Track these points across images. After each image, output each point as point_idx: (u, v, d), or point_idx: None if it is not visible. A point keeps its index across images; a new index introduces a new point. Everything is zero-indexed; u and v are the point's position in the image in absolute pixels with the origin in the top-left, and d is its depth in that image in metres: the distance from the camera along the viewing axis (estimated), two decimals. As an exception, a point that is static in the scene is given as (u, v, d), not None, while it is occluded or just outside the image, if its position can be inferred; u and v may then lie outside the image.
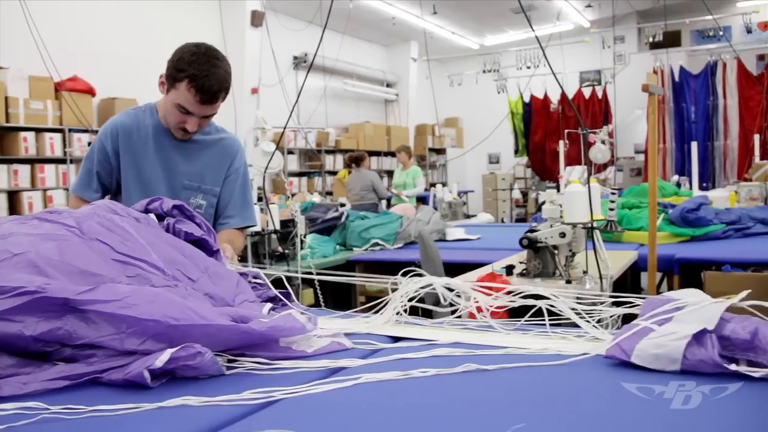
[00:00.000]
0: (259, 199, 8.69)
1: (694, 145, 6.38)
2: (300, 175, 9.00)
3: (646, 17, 10.78)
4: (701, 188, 7.67)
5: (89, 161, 1.59)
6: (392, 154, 10.73)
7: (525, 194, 10.69)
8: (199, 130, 1.56)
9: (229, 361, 0.93)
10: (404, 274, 1.15)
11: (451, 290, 1.13)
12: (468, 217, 5.51)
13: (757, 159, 7.71)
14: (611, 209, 2.22)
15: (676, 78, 9.36)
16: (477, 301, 1.10)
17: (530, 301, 1.04)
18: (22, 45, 5.18)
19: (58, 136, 5.69)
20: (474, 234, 3.91)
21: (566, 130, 5.54)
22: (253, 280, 1.32)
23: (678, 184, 7.32)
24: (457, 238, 3.77)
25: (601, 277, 2.19)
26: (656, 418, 0.65)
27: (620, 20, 10.88)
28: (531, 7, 9.95)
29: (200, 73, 1.40)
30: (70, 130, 5.72)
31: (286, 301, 1.21)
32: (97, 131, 6.31)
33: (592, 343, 0.90)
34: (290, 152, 8.80)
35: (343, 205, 6.29)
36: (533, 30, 2.12)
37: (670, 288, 3.02)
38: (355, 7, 8.66)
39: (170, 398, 0.78)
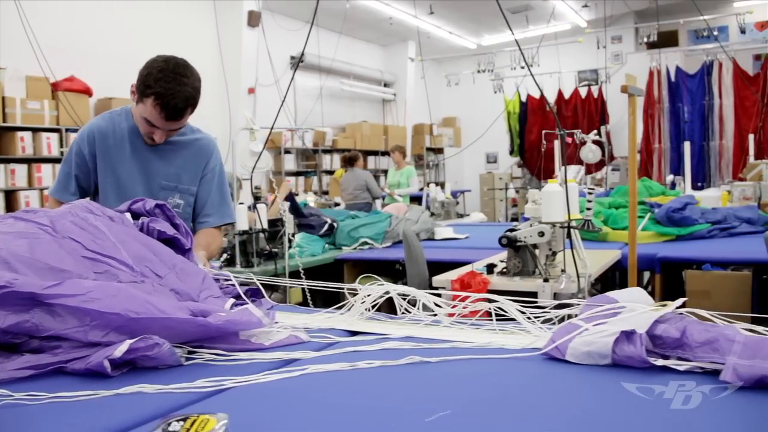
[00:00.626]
0: (257, 198, 8.72)
1: (687, 145, 6.40)
2: (297, 174, 9.05)
3: (643, 17, 10.80)
4: (696, 188, 7.71)
5: (67, 165, 1.65)
6: (389, 154, 10.78)
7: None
8: (174, 135, 1.61)
9: (189, 352, 0.97)
10: (362, 281, 1.20)
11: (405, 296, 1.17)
12: (461, 216, 5.54)
13: (751, 159, 7.74)
14: (588, 209, 2.26)
15: (672, 78, 9.39)
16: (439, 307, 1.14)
17: (482, 304, 1.08)
18: (19, 45, 5.23)
19: (55, 136, 5.74)
20: (462, 233, 3.95)
21: (544, 131, 5.55)
22: (225, 282, 1.36)
23: (673, 184, 7.36)
24: (445, 237, 3.81)
25: (578, 276, 2.23)
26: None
27: (618, 20, 10.91)
28: (528, 7, 9.98)
29: (166, 91, 1.45)
30: (66, 130, 5.78)
31: (246, 299, 1.25)
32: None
33: (530, 339, 0.94)
34: (287, 152, 8.84)
35: (338, 204, 6.35)
36: (512, 33, 2.16)
37: (652, 286, 3.07)
38: (352, 7, 8.70)
39: (127, 386, 0.83)
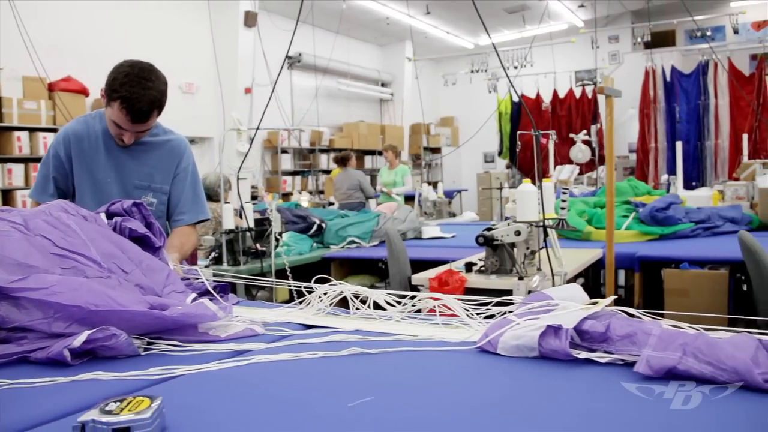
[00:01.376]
0: (254, 198, 8.76)
1: (678, 145, 6.43)
2: (294, 174, 9.10)
3: (641, 17, 10.82)
4: (689, 188, 7.73)
5: (45, 167, 1.72)
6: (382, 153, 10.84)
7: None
8: (144, 136, 1.67)
9: (149, 343, 1.03)
10: (318, 281, 1.25)
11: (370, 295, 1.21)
12: (453, 215, 5.59)
13: (745, 158, 7.76)
14: (563, 208, 2.31)
15: (668, 78, 9.41)
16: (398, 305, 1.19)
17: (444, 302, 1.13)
18: (15, 46, 5.29)
19: (51, 136, 5.80)
20: (450, 232, 4.00)
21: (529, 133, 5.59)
22: (195, 279, 1.42)
23: (668, 184, 7.38)
24: (432, 236, 3.86)
25: (553, 275, 2.28)
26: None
27: (615, 20, 10.94)
28: (524, 7, 10.02)
29: (131, 95, 1.51)
30: (63, 130, 5.84)
31: (215, 293, 1.30)
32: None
33: (469, 333, 0.99)
34: (284, 151, 8.90)
35: (332, 203, 6.40)
36: (488, 35, 2.20)
37: (631, 284, 3.11)
38: (349, 8, 8.75)
39: (84, 373, 0.88)
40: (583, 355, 0.85)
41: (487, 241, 2.38)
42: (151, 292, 1.19)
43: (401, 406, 0.75)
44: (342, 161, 6.06)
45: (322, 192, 8.66)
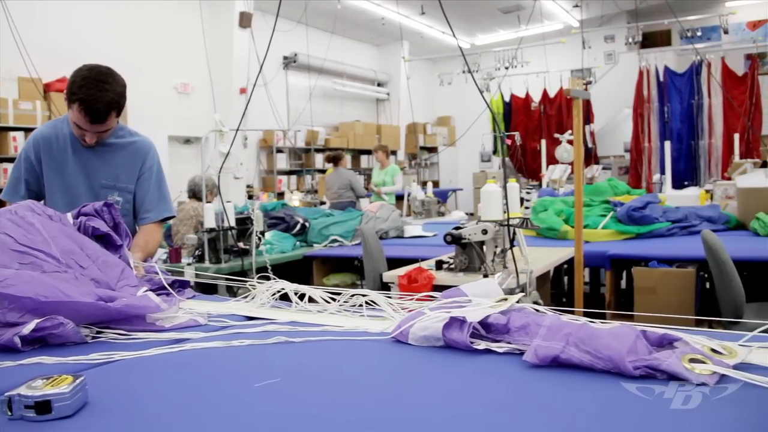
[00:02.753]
0: (249, 197, 8.81)
1: (667, 145, 6.49)
2: (289, 173, 9.18)
3: (636, 17, 10.86)
4: (681, 187, 7.78)
5: (17, 170, 1.82)
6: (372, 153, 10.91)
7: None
8: (108, 137, 1.76)
9: (98, 332, 1.11)
10: (261, 278, 1.33)
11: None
12: (442, 214, 5.66)
13: (736, 158, 7.80)
14: (526, 207, 2.37)
15: (661, 77, 9.45)
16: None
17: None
18: (11, 47, 5.38)
19: (46, 136, 5.89)
20: (433, 231, 4.07)
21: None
22: (150, 275, 1.50)
23: (660, 183, 7.42)
24: (413, 235, 3.93)
25: (517, 273, 2.35)
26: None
27: (611, 20, 10.97)
28: (519, 7, 10.07)
29: (88, 97, 1.60)
30: (58, 130, 5.93)
31: (171, 289, 1.37)
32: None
33: (390, 324, 1.07)
34: (279, 151, 8.98)
35: (323, 203, 6.48)
36: (451, 38, 2.26)
37: (599, 281, 3.17)
38: (345, 8, 8.81)
39: (31, 358, 0.96)
40: (482, 345, 0.92)
41: (454, 240, 2.44)
42: (105, 285, 1.27)
43: (304, 386, 0.82)
44: (334, 161, 6.13)
45: (316, 191, 8.73)
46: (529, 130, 8.97)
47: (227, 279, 1.57)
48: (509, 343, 0.92)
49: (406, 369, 0.89)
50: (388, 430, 0.67)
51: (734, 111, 9.07)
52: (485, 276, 2.34)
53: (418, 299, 1.14)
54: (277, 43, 9.01)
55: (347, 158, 9.97)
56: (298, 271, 3.63)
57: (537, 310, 0.98)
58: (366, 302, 1.20)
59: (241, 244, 3.34)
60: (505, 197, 2.29)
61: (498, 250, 2.56)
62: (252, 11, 8.07)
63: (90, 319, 1.10)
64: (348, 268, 3.59)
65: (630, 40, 8.17)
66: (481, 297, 1.05)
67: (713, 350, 0.82)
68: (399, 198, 6.50)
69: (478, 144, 12.40)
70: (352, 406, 0.75)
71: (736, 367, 0.79)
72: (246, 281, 1.38)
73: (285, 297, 1.30)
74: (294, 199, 6.10)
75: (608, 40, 11.09)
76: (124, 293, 1.21)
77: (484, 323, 0.96)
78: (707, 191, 5.77)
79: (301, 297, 1.28)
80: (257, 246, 3.30)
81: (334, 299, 1.23)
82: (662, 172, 8.98)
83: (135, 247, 1.71)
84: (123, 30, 6.94)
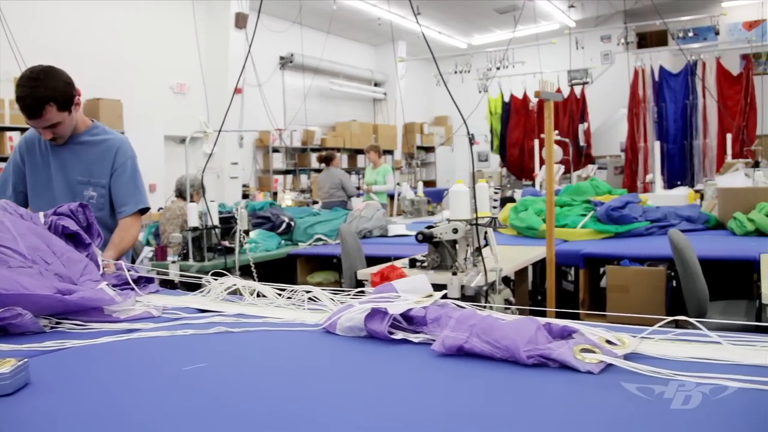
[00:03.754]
0: (245, 196, 8.87)
1: (656, 145, 6.53)
2: (285, 173, 9.25)
3: (633, 17, 10.88)
4: (673, 187, 7.81)
5: (6, 172, 1.96)
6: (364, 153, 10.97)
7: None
8: (62, 131, 1.86)
9: (57, 323, 1.18)
10: (215, 275, 1.39)
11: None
12: (432, 214, 5.71)
13: (729, 158, 7.82)
14: (494, 207, 2.43)
15: (656, 77, 9.47)
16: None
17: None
18: (6, 48, 5.47)
19: (42, 136, 5.98)
20: (416, 230, 4.12)
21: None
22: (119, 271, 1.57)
23: (654, 183, 7.44)
24: (397, 234, 3.99)
25: (486, 271, 2.40)
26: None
27: (608, 20, 11.00)
28: (515, 8, 10.11)
29: (21, 95, 1.74)
30: (54, 130, 6.02)
31: (133, 284, 1.44)
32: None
33: (325, 316, 1.13)
34: (276, 150, 9.05)
35: (316, 202, 6.55)
36: (426, 41, 2.32)
37: (577, 279, 3.23)
38: (341, 8, 8.88)
39: (-12, 347, 1.03)
40: (400, 335, 0.98)
41: (426, 239, 2.50)
42: (68, 280, 1.34)
43: (228, 371, 0.89)
44: (326, 160, 6.20)
45: (309, 190, 8.80)
46: (528, 130, 9.01)
47: (183, 276, 1.63)
48: (424, 333, 0.98)
49: (327, 357, 0.96)
50: (291, 414, 0.73)
51: (729, 111, 9.09)
52: (454, 274, 2.40)
53: (355, 294, 1.21)
54: (273, 44, 9.08)
55: (344, 158, 10.05)
56: (282, 269, 3.70)
57: (459, 306, 1.04)
58: (311, 298, 1.27)
59: (226, 243, 3.42)
60: (474, 197, 2.35)
61: (470, 249, 2.62)
62: (247, 12, 8.14)
63: (49, 310, 1.17)
64: (331, 266, 3.66)
65: (622, 40, 8.19)
66: (410, 292, 1.11)
67: (608, 341, 0.88)
68: (390, 197, 6.57)
69: (476, 144, 12.47)
70: (265, 389, 0.82)
71: (627, 357, 0.85)
72: (201, 278, 1.45)
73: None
74: (286, 199, 6.17)
75: (605, 39, 11.12)
76: (84, 287, 1.28)
77: (406, 316, 1.02)
78: (697, 191, 5.81)
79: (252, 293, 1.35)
80: (242, 244, 3.38)
81: (281, 294, 1.29)
82: (668, 172, 9.04)
83: (110, 245, 1.81)
84: (119, 31, 7.03)
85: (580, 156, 8.97)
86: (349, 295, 1.21)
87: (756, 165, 8.12)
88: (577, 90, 9.35)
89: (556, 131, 5.74)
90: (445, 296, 1.08)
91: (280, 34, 8.93)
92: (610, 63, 10.75)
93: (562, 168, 8.19)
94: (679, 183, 8.53)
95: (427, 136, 12.17)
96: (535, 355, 0.84)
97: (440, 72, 3.53)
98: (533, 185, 7.64)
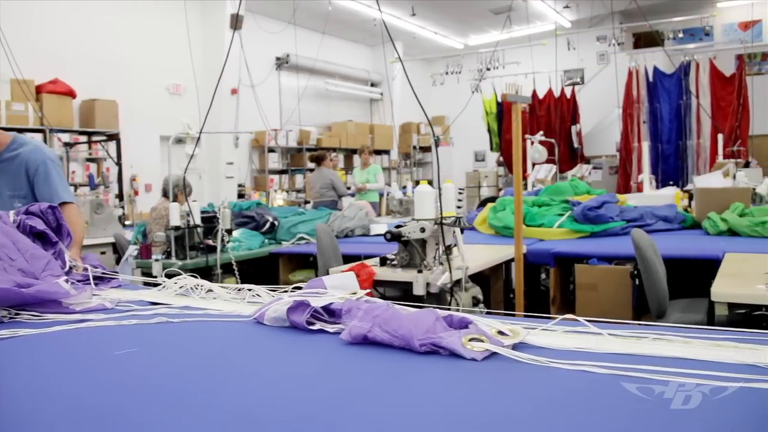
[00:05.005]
0: (240, 196, 8.97)
1: (645, 145, 6.58)
2: (281, 173, 9.35)
3: (629, 17, 10.92)
4: (665, 187, 7.84)
5: None
6: (376, 152, 11.05)
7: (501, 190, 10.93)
8: (4, 150, 2.01)
9: (16, 313, 1.28)
10: (168, 276, 1.49)
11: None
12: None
13: (720, 158, 7.86)
14: (459, 207, 2.51)
15: (650, 78, 9.51)
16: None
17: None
18: (2, 50, 5.57)
19: (39, 136, 6.10)
20: (399, 229, 4.21)
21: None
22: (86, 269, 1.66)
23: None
24: (379, 233, 4.07)
25: (451, 269, 2.48)
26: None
27: (603, 20, 11.03)
28: (510, 8, 10.17)
29: None
30: (50, 131, 6.14)
31: (93, 280, 1.54)
32: (77, 131, 6.68)
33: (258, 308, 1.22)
34: (271, 150, 9.14)
35: (308, 202, 6.64)
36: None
37: (546, 277, 3.30)
38: (336, 9, 8.96)
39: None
40: (318, 326, 1.07)
41: (394, 237, 2.59)
42: (30, 275, 1.44)
43: (157, 355, 0.98)
44: (317, 160, 6.28)
45: (303, 190, 8.89)
46: (521, 130, 9.11)
47: (143, 275, 1.73)
48: (339, 324, 1.06)
49: (249, 343, 1.05)
50: (203, 391, 0.82)
51: (722, 111, 9.12)
52: (419, 272, 2.48)
53: (292, 289, 1.29)
54: (269, 44, 9.18)
55: (340, 158, 10.14)
56: (265, 267, 3.79)
57: (371, 300, 1.13)
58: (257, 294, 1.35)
59: (210, 242, 3.51)
60: (439, 198, 2.43)
61: (438, 248, 2.70)
62: (243, 13, 8.23)
63: (7, 302, 1.27)
64: (312, 265, 3.75)
65: (614, 41, 8.24)
66: (337, 288, 1.20)
67: (500, 332, 0.96)
68: (381, 196, 6.66)
69: (473, 143, 12.54)
70: (185, 370, 0.91)
71: (515, 346, 0.93)
72: (156, 277, 1.54)
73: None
74: (278, 199, 6.26)
75: (601, 40, 11.16)
76: (46, 281, 1.37)
77: (327, 309, 1.11)
78: (685, 191, 5.86)
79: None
80: (225, 243, 3.47)
81: (226, 289, 1.38)
82: (653, 172, 9.08)
83: (75, 243, 1.91)
84: (115, 32, 7.13)
85: (573, 156, 9.02)
86: (286, 291, 1.30)
87: (746, 165, 8.18)
88: (569, 91, 9.40)
89: (541, 132, 5.79)
90: (371, 294, 1.17)
91: (276, 34, 9.02)
92: (606, 63, 10.79)
93: (555, 168, 8.27)
94: (671, 183, 8.57)
95: (423, 136, 12.24)
96: (428, 343, 0.93)
97: (401, 71, 3.59)
98: (525, 185, 7.71)
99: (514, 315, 0.98)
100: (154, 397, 0.80)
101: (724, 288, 2.14)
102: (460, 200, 2.48)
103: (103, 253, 4.38)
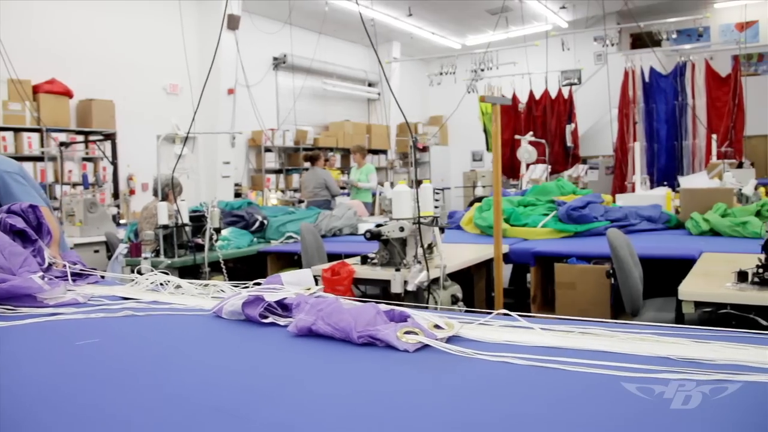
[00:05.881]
0: (237, 195, 9.02)
1: (636, 146, 6.62)
2: (278, 172, 9.41)
3: (626, 18, 10.94)
4: (657, 187, 7.88)
5: None
6: (373, 152, 11.11)
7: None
8: None
9: (-10, 307, 1.34)
10: (138, 272, 1.55)
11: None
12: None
13: (714, 158, 7.90)
14: (436, 207, 2.57)
15: (647, 78, 9.54)
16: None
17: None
18: (0, 50, 5.65)
19: (35, 136, 6.18)
20: (388, 228, 4.26)
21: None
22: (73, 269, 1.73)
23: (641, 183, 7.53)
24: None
25: (428, 267, 2.54)
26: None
27: (600, 21, 11.06)
28: (506, 9, 10.21)
29: None
30: (47, 130, 6.21)
31: (68, 275, 1.60)
32: (73, 131, 6.74)
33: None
34: (268, 150, 9.21)
35: (302, 201, 6.70)
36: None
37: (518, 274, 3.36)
38: (333, 10, 9.01)
39: None
40: (270, 319, 1.13)
41: (374, 236, 2.64)
42: (8, 270, 1.50)
43: (116, 345, 1.05)
44: (310, 160, 6.35)
45: (298, 189, 8.95)
46: (517, 131, 9.14)
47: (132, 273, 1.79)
48: (290, 318, 1.12)
49: (204, 334, 1.11)
50: (154, 375, 0.88)
51: (717, 112, 9.15)
52: (397, 270, 2.54)
53: (253, 285, 1.35)
54: (267, 45, 9.24)
55: (337, 157, 10.20)
56: (254, 266, 3.85)
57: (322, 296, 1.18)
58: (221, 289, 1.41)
59: (199, 240, 3.57)
60: (417, 198, 2.48)
61: (418, 246, 2.75)
62: (240, 13, 8.30)
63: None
64: (299, 263, 3.80)
65: (608, 42, 8.28)
66: (294, 284, 1.26)
67: (436, 326, 1.02)
68: (373, 195, 6.72)
69: (471, 143, 12.58)
70: (141, 358, 0.97)
71: (449, 339, 0.99)
72: (131, 275, 1.60)
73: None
74: (272, 198, 6.33)
75: (598, 40, 11.18)
76: (22, 277, 1.44)
77: (282, 303, 1.16)
78: (677, 191, 5.90)
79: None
80: (214, 242, 3.53)
81: (193, 285, 1.44)
82: (649, 172, 9.11)
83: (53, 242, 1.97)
84: (112, 33, 7.20)
85: (567, 156, 9.06)
86: (246, 287, 1.35)
87: (740, 166, 8.19)
88: (566, 91, 9.44)
89: (531, 132, 5.84)
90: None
91: (274, 35, 9.08)
92: (603, 63, 10.82)
93: (549, 168, 8.31)
94: (665, 183, 8.61)
95: (421, 135, 12.29)
96: (365, 335, 0.98)
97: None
98: (519, 184, 7.75)
99: (474, 312, 1.03)
100: (106, 382, 0.86)
101: (692, 287, 2.19)
102: (437, 200, 2.53)
103: (96, 251, 4.45)
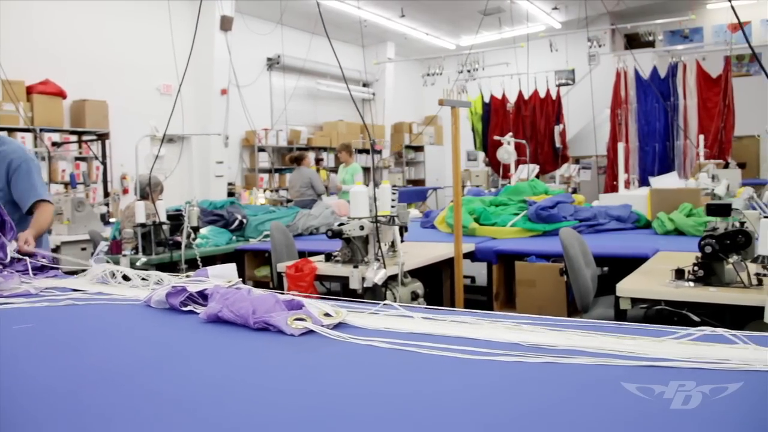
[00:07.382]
0: (231, 194, 9.12)
1: (620, 147, 6.70)
2: (271, 171, 9.54)
3: (620, 18, 11.00)
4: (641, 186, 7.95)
5: None
6: (366, 151, 11.22)
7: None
8: None
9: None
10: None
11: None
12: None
13: (701, 159, 7.97)
14: (393, 206, 2.68)
15: (639, 78, 9.60)
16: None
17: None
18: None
19: (29, 136, 6.33)
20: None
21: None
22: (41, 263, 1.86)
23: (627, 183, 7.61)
24: (342, 231, 4.25)
25: (384, 264, 2.65)
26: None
27: (593, 21, 11.13)
28: (499, 9, 10.30)
29: None
30: (40, 130, 6.36)
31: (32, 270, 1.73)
32: (67, 131, 6.87)
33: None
34: (261, 150, 9.34)
35: (290, 200, 6.82)
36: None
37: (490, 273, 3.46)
38: (326, 10, 9.13)
39: None
40: (190, 307, 1.25)
41: (335, 235, 2.76)
42: (-19, 267, 1.64)
43: (50, 329, 1.17)
44: (297, 160, 6.47)
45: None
46: (505, 130, 9.23)
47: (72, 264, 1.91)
48: (206, 306, 1.24)
49: (128, 321, 1.24)
50: (75, 356, 1.00)
51: (708, 113, 9.21)
52: (355, 267, 2.65)
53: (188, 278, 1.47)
54: (260, 45, 9.37)
55: (330, 157, 10.32)
56: (239, 264, 3.97)
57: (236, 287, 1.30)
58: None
59: (178, 238, 3.69)
60: (374, 197, 2.60)
61: (380, 244, 2.87)
62: (232, 14, 8.43)
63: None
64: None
65: (596, 43, 8.36)
66: (218, 277, 1.38)
67: (326, 314, 1.14)
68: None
69: (466, 143, 12.65)
70: (70, 342, 1.09)
71: (337, 326, 1.10)
72: (84, 262, 1.73)
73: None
74: (260, 197, 6.45)
75: (591, 41, 11.25)
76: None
77: (203, 293, 1.29)
78: (659, 191, 5.97)
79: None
80: (192, 240, 3.66)
81: (140, 277, 1.57)
82: (641, 171, 9.18)
83: (31, 226, 2.12)
84: (106, 33, 7.34)
85: (556, 157, 9.14)
86: (181, 278, 1.48)
87: (726, 166, 8.26)
88: (555, 92, 9.52)
89: (510, 133, 5.94)
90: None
91: (267, 36, 9.21)
92: (596, 64, 10.89)
93: (537, 168, 8.40)
94: (652, 183, 8.68)
95: (416, 135, 12.39)
96: (260, 321, 1.10)
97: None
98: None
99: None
100: (32, 359, 0.98)
101: (630, 284, 2.30)
102: (393, 200, 2.65)
103: (83, 249, 4.59)
